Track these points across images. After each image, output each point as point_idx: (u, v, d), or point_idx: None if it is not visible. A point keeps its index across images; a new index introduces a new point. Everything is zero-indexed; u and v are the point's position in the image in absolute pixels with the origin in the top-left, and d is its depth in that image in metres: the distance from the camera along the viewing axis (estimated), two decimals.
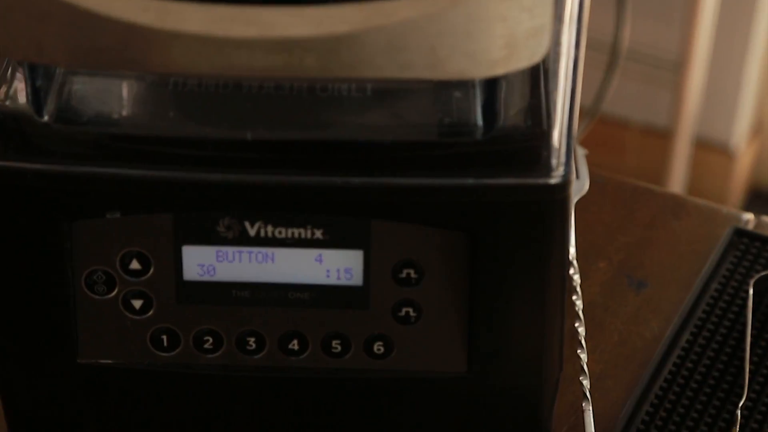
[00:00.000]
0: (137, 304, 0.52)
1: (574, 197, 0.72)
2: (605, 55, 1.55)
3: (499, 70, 0.45)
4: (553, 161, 0.49)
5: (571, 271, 0.66)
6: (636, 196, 0.74)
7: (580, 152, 0.74)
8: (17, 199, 0.50)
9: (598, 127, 1.75)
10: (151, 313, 0.52)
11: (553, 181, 0.49)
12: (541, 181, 0.49)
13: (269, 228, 0.50)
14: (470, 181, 0.49)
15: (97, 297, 0.52)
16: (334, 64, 0.43)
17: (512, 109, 0.50)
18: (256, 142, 0.49)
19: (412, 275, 0.51)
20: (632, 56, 1.72)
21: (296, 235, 0.50)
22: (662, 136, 1.79)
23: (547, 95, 0.50)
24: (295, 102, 0.50)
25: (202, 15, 0.43)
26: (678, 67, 1.70)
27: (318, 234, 0.50)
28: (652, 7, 1.71)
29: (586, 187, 0.72)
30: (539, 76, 0.51)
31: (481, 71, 0.45)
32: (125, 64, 0.44)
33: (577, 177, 0.74)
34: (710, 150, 1.82)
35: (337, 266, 0.51)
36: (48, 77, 0.50)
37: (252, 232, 0.50)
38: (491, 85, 0.49)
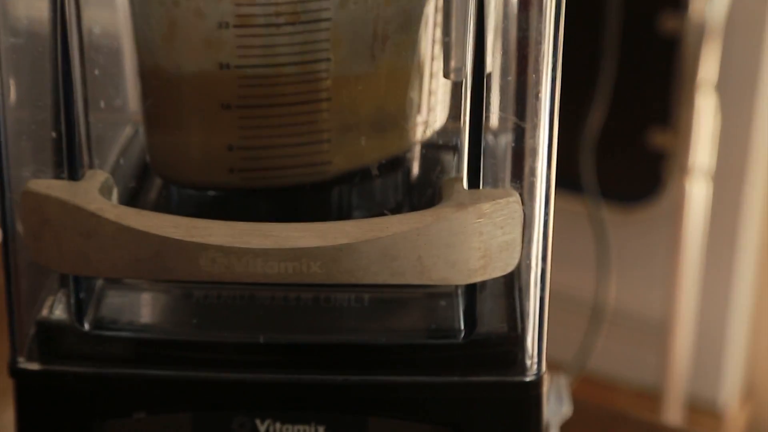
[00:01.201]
0: None
1: (559, 420, 0.76)
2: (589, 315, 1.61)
3: (477, 278, 0.50)
4: (527, 362, 0.53)
5: None
6: (613, 420, 0.78)
7: (564, 381, 0.79)
8: (56, 399, 0.54)
9: (588, 388, 1.78)
10: None
11: (528, 379, 0.53)
12: (517, 379, 0.53)
13: (277, 425, 0.53)
14: (455, 378, 0.53)
15: None
16: (336, 271, 0.48)
17: (489, 315, 0.54)
18: (267, 344, 0.53)
19: None
20: (618, 316, 1.76)
21: (301, 431, 0.54)
22: (652, 398, 1.78)
23: (520, 302, 0.54)
24: (302, 311, 0.55)
25: (226, 230, 0.48)
26: (663, 328, 1.72)
27: (321, 430, 0.53)
28: (635, 267, 1.76)
29: (569, 412, 0.76)
30: (513, 285, 0.55)
31: (461, 278, 0.50)
32: (160, 273, 0.49)
33: (561, 402, 0.78)
34: (701, 412, 1.81)
35: None
36: (89, 290, 0.54)
37: (262, 429, 0.53)
38: (471, 292, 0.53)
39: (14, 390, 0.54)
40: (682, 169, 1.59)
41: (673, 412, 1.73)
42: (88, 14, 0.52)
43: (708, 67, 1.54)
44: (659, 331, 1.74)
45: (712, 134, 1.58)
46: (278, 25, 0.52)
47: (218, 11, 0.52)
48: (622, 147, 1.62)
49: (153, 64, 0.55)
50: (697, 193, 1.60)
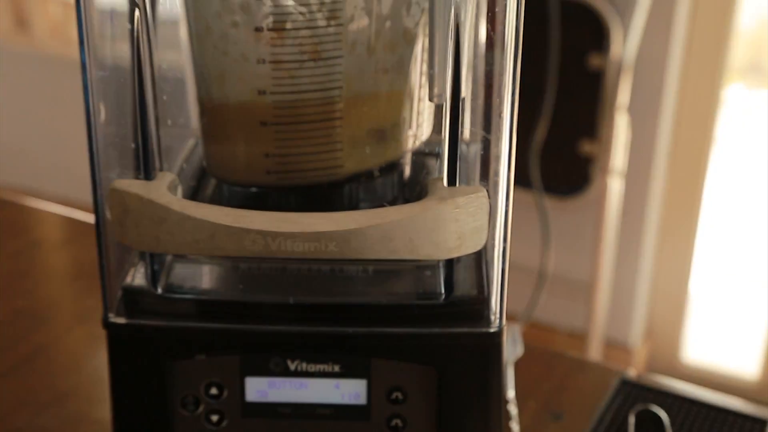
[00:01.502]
0: (214, 418, 0.54)
1: (514, 358, 0.75)
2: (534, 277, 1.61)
3: (454, 254, 0.49)
4: (492, 317, 0.53)
5: (511, 407, 0.69)
6: (552, 358, 0.77)
7: (517, 328, 0.78)
8: (137, 345, 0.53)
9: (534, 332, 1.78)
10: (224, 425, 0.54)
11: (492, 330, 0.52)
12: (484, 330, 0.52)
13: (303, 364, 0.53)
14: (437, 330, 0.52)
15: (187, 413, 0.54)
16: (347, 249, 0.47)
17: (463, 282, 0.53)
18: (295, 304, 0.53)
19: (400, 397, 0.53)
20: (556, 279, 1.77)
21: (321, 369, 0.53)
22: (581, 339, 1.77)
23: (486, 272, 0.54)
24: (321, 279, 0.54)
25: (264, 218, 0.48)
26: (589, 287, 1.72)
27: (336, 368, 0.53)
28: (568, 242, 1.76)
29: (522, 352, 0.76)
30: (481, 260, 0.54)
31: (442, 255, 0.49)
32: (214, 251, 0.48)
33: (516, 345, 0.77)
34: (615, 349, 1.82)
35: (349, 391, 0.53)
36: (161, 263, 0.54)
37: (292, 367, 0.53)
38: (449, 265, 0.52)
39: (106, 338, 0.54)
40: (604, 170, 1.60)
41: (594, 349, 1.74)
42: (158, 54, 0.51)
43: (623, 94, 1.55)
44: (586, 290, 1.74)
45: (625, 144, 1.59)
46: (303, 62, 0.51)
47: (258, 52, 0.51)
48: (559, 154, 1.62)
49: (207, 93, 0.54)
50: (614, 187, 1.61)
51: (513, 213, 0.52)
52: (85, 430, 0.69)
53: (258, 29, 0.50)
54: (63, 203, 0.99)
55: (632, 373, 0.74)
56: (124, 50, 0.50)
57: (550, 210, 1.63)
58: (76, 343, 0.79)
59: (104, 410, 0.70)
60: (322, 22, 0.50)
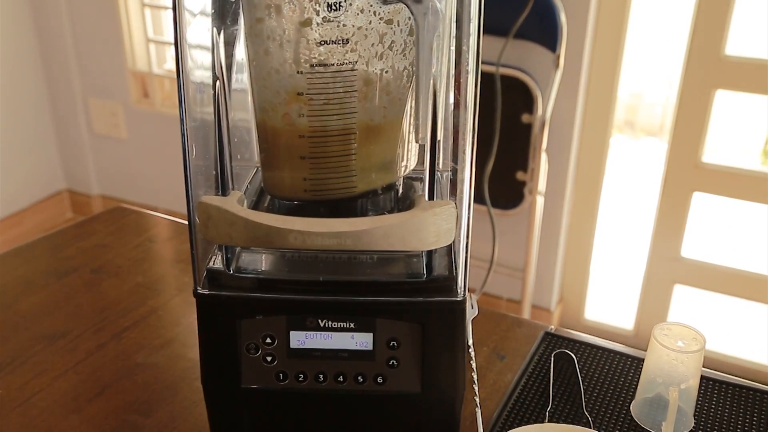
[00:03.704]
0: (269, 359, 0.53)
1: (471, 318, 0.73)
2: (487, 264, 1.60)
3: (432, 247, 0.48)
4: (458, 290, 0.51)
5: (471, 350, 0.67)
6: (499, 317, 0.75)
7: (474, 297, 0.76)
8: (217, 309, 0.52)
9: (485, 299, 1.76)
10: (275, 363, 0.53)
11: (458, 298, 0.51)
12: (452, 299, 0.51)
13: (329, 322, 0.51)
14: (421, 298, 0.51)
15: (251, 356, 0.53)
16: (359, 243, 0.46)
17: (439, 266, 0.51)
18: (324, 281, 0.51)
19: (395, 345, 0.52)
20: (500, 265, 1.75)
21: (342, 325, 0.51)
22: (517, 304, 1.77)
23: (455, 259, 0.52)
24: (341, 263, 0.52)
25: (302, 222, 0.46)
26: (523, 270, 1.71)
27: (351, 325, 0.51)
28: (509, 240, 1.74)
29: (476, 313, 0.74)
30: (451, 250, 0.53)
31: (425, 247, 0.48)
32: (268, 244, 0.47)
33: (473, 308, 0.76)
34: (540, 310, 1.80)
35: (361, 340, 0.52)
36: (233, 252, 0.52)
37: (322, 324, 0.51)
38: (429, 254, 0.51)
39: (196, 303, 0.52)
40: (532, 191, 1.59)
41: (526, 311, 1.72)
42: (232, 111, 0.50)
43: (544, 141, 1.54)
44: (520, 271, 1.72)
45: (545, 174, 1.58)
46: (330, 116, 0.49)
47: (299, 110, 0.49)
48: (502, 180, 1.60)
49: (264, 137, 0.52)
50: (539, 202, 1.60)
51: (472, 219, 0.51)
52: (183, 365, 0.68)
53: (299, 94, 0.48)
54: (168, 213, 0.98)
55: (551, 327, 0.73)
56: (209, 109, 0.49)
57: (496, 218, 1.61)
58: (177, 307, 0.77)
59: (195, 352, 0.69)
60: (342, 91, 0.48)
